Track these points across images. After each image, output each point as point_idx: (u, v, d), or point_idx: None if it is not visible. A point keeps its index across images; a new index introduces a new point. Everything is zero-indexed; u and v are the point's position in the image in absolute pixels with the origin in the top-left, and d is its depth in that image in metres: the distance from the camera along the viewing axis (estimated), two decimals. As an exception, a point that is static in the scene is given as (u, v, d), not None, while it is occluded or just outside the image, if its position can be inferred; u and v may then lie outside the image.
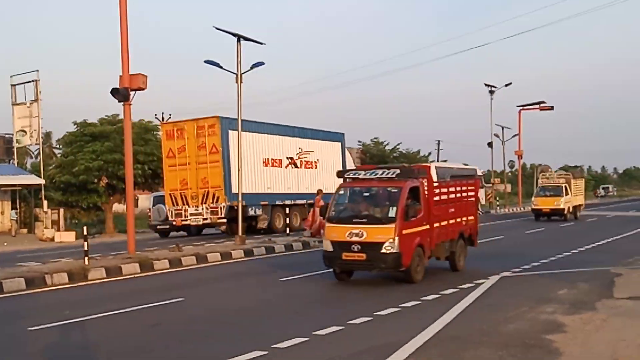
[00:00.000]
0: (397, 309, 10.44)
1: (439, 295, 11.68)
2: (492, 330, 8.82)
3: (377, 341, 8.25)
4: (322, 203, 26.27)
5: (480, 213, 42.61)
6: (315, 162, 31.80)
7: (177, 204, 27.22)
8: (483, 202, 44.48)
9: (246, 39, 23.28)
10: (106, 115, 38.44)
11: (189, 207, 26.87)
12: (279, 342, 8.20)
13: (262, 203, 28.23)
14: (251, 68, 23.61)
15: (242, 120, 24.01)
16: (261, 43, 23.82)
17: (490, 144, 52.53)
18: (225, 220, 27.19)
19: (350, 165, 34.47)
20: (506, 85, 51.97)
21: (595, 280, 13.43)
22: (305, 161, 31.29)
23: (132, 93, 18.49)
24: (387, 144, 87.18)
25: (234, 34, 22.99)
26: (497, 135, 55.39)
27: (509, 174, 74.09)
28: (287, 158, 30.23)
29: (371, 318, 9.74)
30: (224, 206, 26.20)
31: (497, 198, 55.36)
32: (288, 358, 7.56)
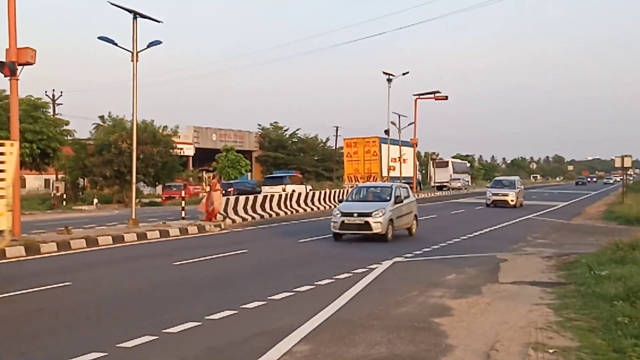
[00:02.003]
0: (291, 294, 10.47)
1: (332, 280, 11.80)
2: (383, 313, 8.99)
3: (270, 325, 8.23)
4: (218, 187, 26.34)
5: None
6: (406, 159, 58.07)
7: (352, 181, 49.95)
8: None
9: (143, 16, 22.60)
10: (-9, 91, 36.55)
11: (358, 182, 44.70)
12: (170, 326, 8.05)
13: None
14: (148, 46, 22.99)
15: (391, 138, 53.18)
16: (158, 21, 23.21)
17: (387, 132, 53.49)
18: None
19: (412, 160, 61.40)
20: (403, 74, 52.92)
21: (482, 265, 13.97)
22: (403, 159, 56.64)
23: (19, 67, 17.73)
24: (287, 129, 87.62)
25: (130, 11, 22.28)
26: (393, 123, 56.59)
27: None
28: (396, 158, 54.77)
29: (265, 302, 9.72)
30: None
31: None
32: (179, 342, 7.41)
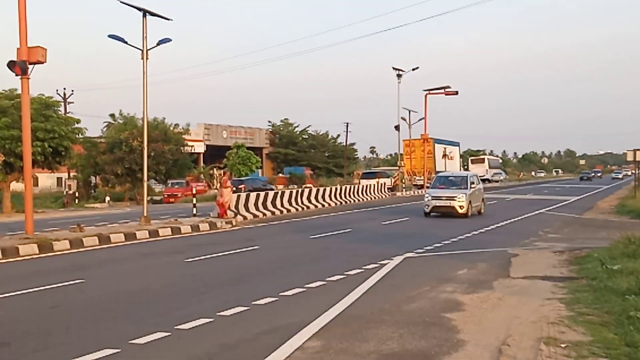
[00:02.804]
0: (302, 290, 10.49)
1: (344, 276, 11.82)
2: (394, 309, 9.00)
3: (281, 321, 8.26)
4: (229, 184, 26.41)
5: (387, 195, 43.93)
6: (452, 157, 65.04)
7: (410, 175, 60.01)
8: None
9: (152, 14, 22.66)
10: (3, 90, 36.76)
11: (416, 177, 59.07)
12: (182, 323, 8.10)
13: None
14: (157, 44, 23.06)
15: (436, 138, 61.29)
16: (168, 19, 23.27)
17: (397, 127, 53.40)
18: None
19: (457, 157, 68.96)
20: (413, 70, 52.75)
21: (494, 260, 13.95)
22: (450, 156, 63.78)
23: (30, 67, 17.84)
24: (297, 126, 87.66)
25: (139, 9, 22.34)
26: (404, 119, 56.51)
27: (415, 157, 75.53)
28: (444, 155, 62.05)
29: (276, 299, 9.75)
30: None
31: (403, 181, 56.50)
32: (191, 339, 7.46)
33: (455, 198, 26.02)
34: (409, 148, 60.53)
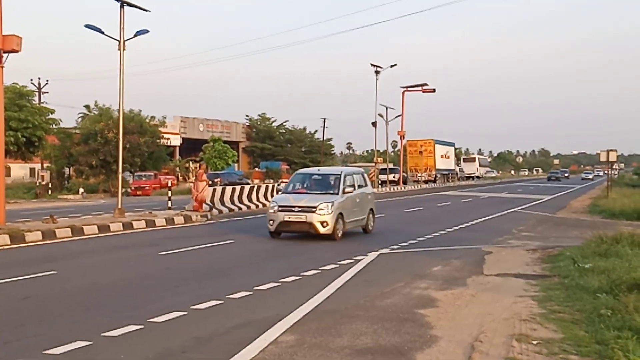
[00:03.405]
0: (277, 284, 10.49)
1: (319, 271, 11.83)
2: (368, 304, 9.03)
3: (256, 315, 8.25)
4: (204, 177, 26.28)
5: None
6: (449, 156, 74.05)
7: (413, 172, 67.24)
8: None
9: (130, 5, 22.45)
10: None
11: (419, 173, 66.69)
12: (156, 316, 8.06)
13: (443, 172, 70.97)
14: (135, 35, 22.88)
15: (436, 139, 69.93)
16: (146, 10, 23.08)
17: (374, 124, 53.59)
18: (434, 178, 66.75)
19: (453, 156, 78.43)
20: (391, 67, 52.97)
21: (468, 257, 14.06)
22: (446, 155, 72.44)
23: (4, 55, 17.59)
24: (275, 120, 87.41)
25: (117, -1, 22.13)
26: (381, 115, 56.72)
27: (392, 153, 76.14)
28: (442, 155, 70.30)
29: (251, 293, 9.74)
30: (434, 173, 66.31)
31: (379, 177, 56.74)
32: (165, 332, 7.42)
33: (314, 209, 16.58)
34: (412, 147, 68.37)
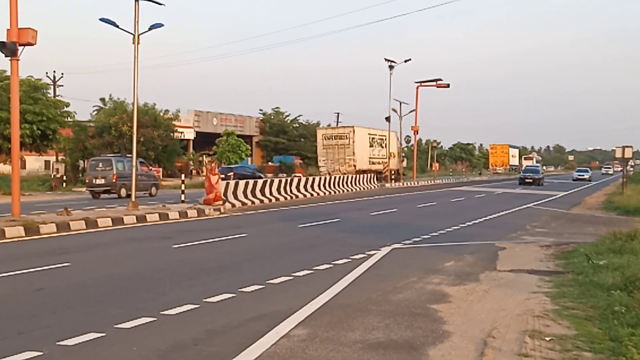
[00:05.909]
0: (289, 278, 10.49)
1: (331, 266, 11.82)
2: (381, 299, 9.01)
3: (268, 309, 8.25)
4: (216, 171, 26.34)
5: (376, 186, 44.03)
6: (514, 155, 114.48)
7: (494, 167, 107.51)
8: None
9: (145, -1, 22.51)
10: (-8, 71, 36.46)
11: (497, 168, 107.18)
12: (169, 308, 8.08)
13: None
14: (149, 29, 22.93)
15: (510, 144, 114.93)
16: (160, 4, 23.11)
17: (388, 119, 53.40)
18: (508, 171, 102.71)
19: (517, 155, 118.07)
20: (405, 61, 52.78)
21: (481, 253, 14.00)
22: (514, 155, 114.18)
23: (20, 48, 17.66)
24: (288, 115, 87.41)
25: (132, -8, 22.19)
26: (395, 110, 56.54)
27: (405, 149, 75.95)
28: (512, 155, 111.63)
29: (263, 286, 9.75)
30: (508, 167, 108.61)
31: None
32: (177, 324, 7.44)
33: None
34: (494, 150, 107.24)
